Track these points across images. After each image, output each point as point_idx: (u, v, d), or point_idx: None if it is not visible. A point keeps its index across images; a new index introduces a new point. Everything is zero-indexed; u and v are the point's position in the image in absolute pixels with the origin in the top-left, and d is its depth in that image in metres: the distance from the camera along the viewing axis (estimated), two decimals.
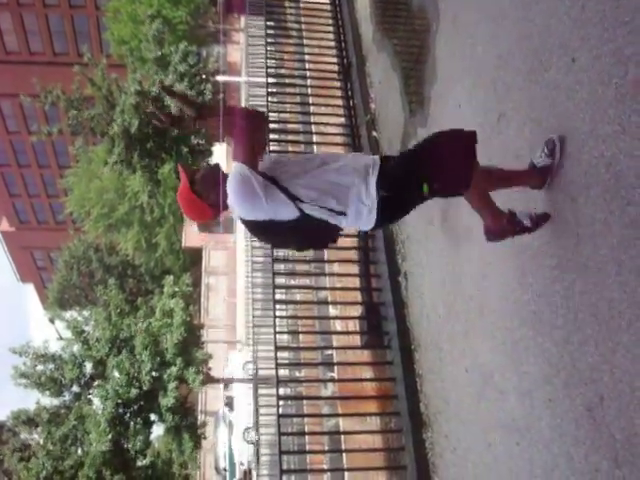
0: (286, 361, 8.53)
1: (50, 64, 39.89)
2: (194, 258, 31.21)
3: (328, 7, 9.25)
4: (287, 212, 3.28)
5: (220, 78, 22.09)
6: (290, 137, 9.47)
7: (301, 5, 10.02)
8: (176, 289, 17.12)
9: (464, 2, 5.24)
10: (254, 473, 14.94)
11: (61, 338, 18.11)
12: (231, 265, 28.18)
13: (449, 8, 5.64)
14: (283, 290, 9.03)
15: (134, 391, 15.42)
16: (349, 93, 8.14)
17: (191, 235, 29.04)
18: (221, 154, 25.94)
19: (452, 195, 3.68)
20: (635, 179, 2.94)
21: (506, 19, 4.38)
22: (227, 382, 21.93)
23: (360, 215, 3.34)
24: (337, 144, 8.18)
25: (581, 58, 3.39)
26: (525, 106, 4.03)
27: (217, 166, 3.39)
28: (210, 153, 19.60)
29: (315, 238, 3.56)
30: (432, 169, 3.36)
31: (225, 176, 3.30)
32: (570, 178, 3.46)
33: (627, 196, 2.99)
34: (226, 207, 3.33)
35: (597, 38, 3.25)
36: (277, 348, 6.61)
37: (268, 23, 9.21)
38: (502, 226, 3.68)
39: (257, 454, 15.01)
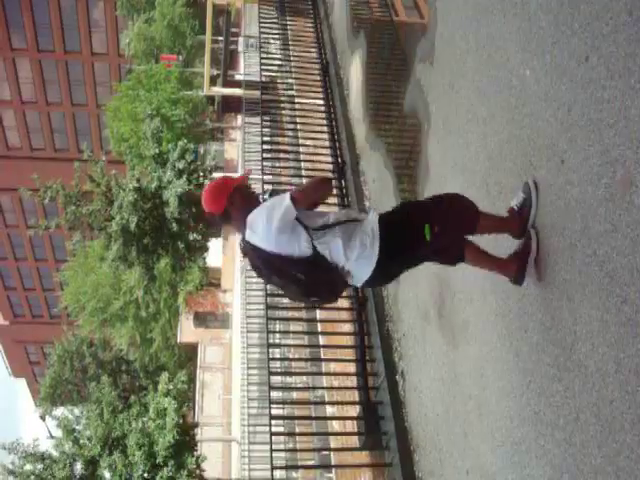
0: (283, 462, 8.28)
1: (51, 160, 40.73)
2: (189, 353, 30.85)
3: (322, 108, 9.53)
4: (302, 247, 3.44)
5: (217, 175, 22.49)
6: None
7: (296, 106, 10.32)
8: (170, 387, 16.83)
9: (454, 103, 5.40)
10: None
11: (52, 436, 17.65)
12: (226, 361, 27.82)
13: (440, 109, 5.81)
14: (279, 389, 8.87)
15: None
16: (344, 191, 8.27)
17: (187, 330, 28.81)
18: (217, 250, 26.11)
19: (452, 251, 3.81)
20: (629, 277, 2.95)
21: (495, 120, 4.50)
22: None
23: (364, 247, 3.47)
24: None
25: (570, 159, 3.46)
26: None
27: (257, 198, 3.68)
28: (206, 249, 19.75)
29: (322, 284, 3.57)
30: (433, 213, 3.61)
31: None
32: (565, 276, 3.47)
33: (622, 294, 2.99)
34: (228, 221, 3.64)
35: (584, 140, 3.33)
36: (273, 450, 6.43)
37: (264, 123, 9.46)
38: (515, 267, 3.79)
39: None
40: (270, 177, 8.86)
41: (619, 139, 3.06)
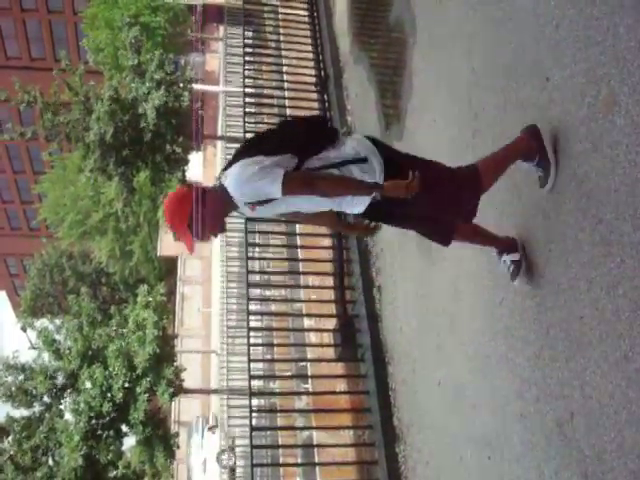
0: (260, 373, 8.50)
1: (27, 68, 39.53)
2: (169, 267, 31.00)
3: (306, 19, 9.28)
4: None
5: (197, 86, 22.03)
6: None
7: (280, 17, 10.05)
8: (150, 299, 16.95)
9: (440, 18, 5.29)
10: None
11: (33, 347, 17.83)
12: (206, 274, 28.01)
13: (426, 22, 5.68)
14: (258, 302, 8.98)
15: (107, 404, 15.23)
16: (326, 105, 8.16)
17: (166, 244, 28.81)
18: (198, 163, 25.85)
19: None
20: (606, 197, 2.97)
21: (479, 35, 4.43)
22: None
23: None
24: None
25: (555, 77, 3.42)
26: (499, 122, 4.06)
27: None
28: (186, 162, 19.47)
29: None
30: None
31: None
32: (542, 194, 3.49)
33: (598, 214, 3.02)
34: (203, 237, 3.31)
35: (570, 57, 3.28)
36: (250, 360, 6.57)
37: (246, 34, 9.22)
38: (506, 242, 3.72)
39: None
40: (252, 90, 8.72)
41: (605, 57, 3.03)
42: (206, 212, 3.18)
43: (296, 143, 3.20)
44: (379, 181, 3.17)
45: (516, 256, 3.65)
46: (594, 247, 3.05)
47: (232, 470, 16.45)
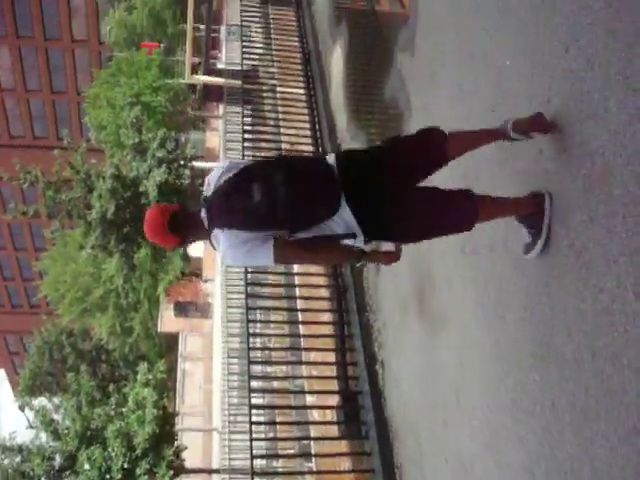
0: (262, 452, 8.31)
1: (30, 147, 40.25)
2: (170, 343, 30.75)
3: (303, 97, 9.51)
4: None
5: (198, 164, 22.37)
6: None
7: (278, 95, 10.29)
8: (149, 377, 16.76)
9: (434, 92, 5.42)
10: None
11: (31, 427, 17.53)
12: (207, 351, 27.75)
13: (420, 97, 5.82)
14: (259, 379, 8.87)
15: None
16: None
17: (167, 320, 28.71)
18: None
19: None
20: (606, 267, 2.98)
21: (475, 113, 4.53)
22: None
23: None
24: None
25: (549, 150, 3.48)
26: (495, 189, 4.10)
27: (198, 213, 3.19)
28: None
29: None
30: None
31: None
32: (543, 269, 3.50)
33: (599, 284, 3.02)
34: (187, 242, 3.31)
35: (564, 131, 3.35)
36: (253, 439, 6.45)
37: (245, 112, 9.42)
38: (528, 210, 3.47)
39: None
40: None
41: (597, 129, 3.08)
42: (189, 226, 3.18)
43: (294, 223, 3.09)
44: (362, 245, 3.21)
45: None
46: (597, 317, 3.04)
47: None
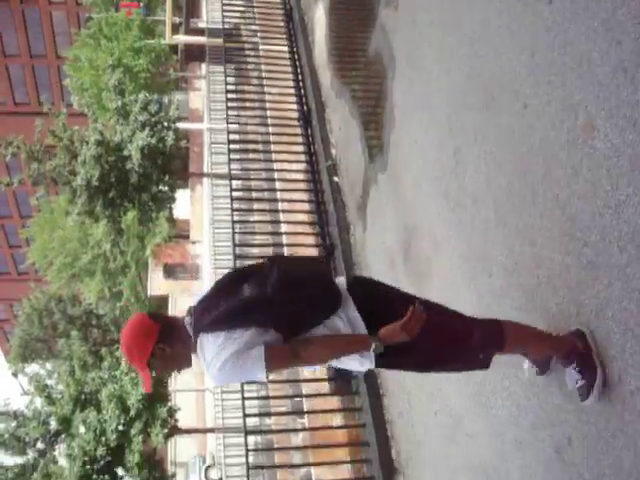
0: (255, 410, 8.40)
1: (11, 114, 39.68)
2: (160, 306, 30.82)
3: (287, 55, 9.38)
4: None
5: (182, 125, 22.13)
6: (253, 183, 9.50)
7: (260, 53, 10.15)
8: None
9: (416, 41, 5.37)
10: None
11: (25, 393, 17.67)
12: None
13: (403, 48, 5.76)
14: None
15: (101, 448, 15.05)
16: (310, 139, 8.21)
17: (156, 283, 28.73)
18: (185, 201, 25.88)
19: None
20: (590, 221, 2.99)
21: (456, 66, 4.49)
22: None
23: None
24: (299, 190, 8.22)
25: (533, 103, 3.46)
26: (479, 142, 4.09)
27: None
28: (173, 200, 19.52)
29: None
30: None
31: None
32: (527, 220, 3.51)
33: (583, 238, 3.04)
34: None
35: (547, 83, 3.33)
36: (245, 398, 6.52)
37: (228, 71, 9.28)
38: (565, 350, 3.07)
39: None
40: (236, 126, 8.75)
41: (581, 83, 3.07)
42: (171, 355, 2.75)
43: (288, 326, 2.70)
44: (370, 366, 2.80)
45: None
46: (581, 270, 3.06)
47: None
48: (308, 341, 2.66)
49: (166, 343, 2.71)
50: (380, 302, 2.86)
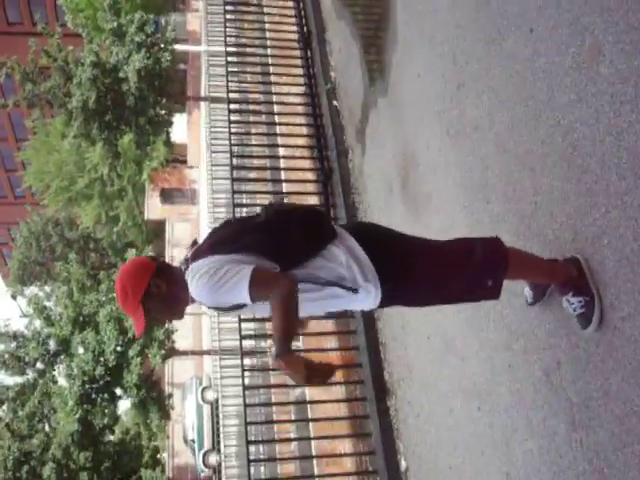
0: (251, 332, 8.54)
1: (4, 34, 38.79)
2: (157, 230, 30.90)
3: None
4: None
5: (179, 47, 21.67)
6: (251, 107, 9.37)
7: None
8: None
9: None
10: (221, 444, 15.02)
11: (24, 315, 17.88)
12: (195, 236, 27.91)
13: None
14: None
15: (100, 368, 15.36)
16: (309, 62, 8.06)
17: (153, 207, 28.70)
18: (182, 126, 25.59)
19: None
20: (591, 147, 2.98)
21: None
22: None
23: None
24: (298, 113, 8.12)
25: (539, 28, 3.40)
26: (484, 74, 4.04)
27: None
28: (170, 123, 19.31)
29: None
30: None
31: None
32: (527, 146, 3.49)
33: (583, 164, 3.03)
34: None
35: (554, 7, 3.26)
36: (241, 320, 6.62)
37: None
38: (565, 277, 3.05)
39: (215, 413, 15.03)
40: (234, 49, 8.58)
41: (589, 6, 3.00)
42: (167, 294, 2.70)
43: (283, 254, 2.65)
44: (373, 306, 2.82)
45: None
46: (580, 197, 3.06)
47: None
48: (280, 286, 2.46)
49: (162, 279, 2.68)
50: (382, 244, 2.87)
